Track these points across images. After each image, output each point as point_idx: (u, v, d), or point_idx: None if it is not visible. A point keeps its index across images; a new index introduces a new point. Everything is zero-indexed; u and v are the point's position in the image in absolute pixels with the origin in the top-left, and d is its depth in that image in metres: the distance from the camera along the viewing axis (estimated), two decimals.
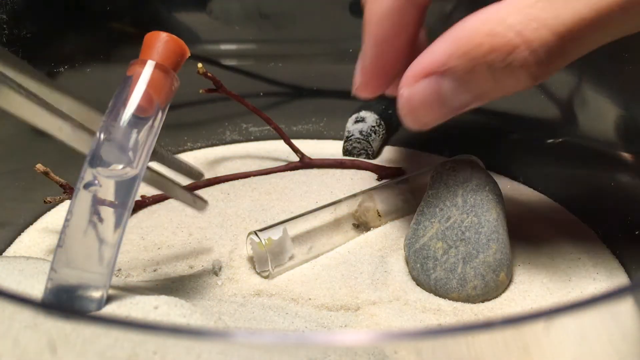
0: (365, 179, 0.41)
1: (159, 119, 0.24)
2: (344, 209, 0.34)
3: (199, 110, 0.46)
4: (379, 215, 0.35)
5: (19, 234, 0.35)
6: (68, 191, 0.34)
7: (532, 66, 0.24)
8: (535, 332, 0.16)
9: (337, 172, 0.43)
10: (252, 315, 0.28)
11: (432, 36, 0.27)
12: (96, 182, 0.22)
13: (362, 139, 0.44)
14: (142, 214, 0.37)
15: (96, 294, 0.22)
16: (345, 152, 0.45)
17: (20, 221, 0.36)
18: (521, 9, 0.23)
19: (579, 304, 0.15)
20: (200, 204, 0.29)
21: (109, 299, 0.22)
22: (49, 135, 0.23)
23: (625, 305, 0.18)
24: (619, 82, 0.34)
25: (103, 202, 0.22)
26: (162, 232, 0.35)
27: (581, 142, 0.38)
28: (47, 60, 0.38)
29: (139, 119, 0.24)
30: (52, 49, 0.38)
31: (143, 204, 0.38)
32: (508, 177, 0.42)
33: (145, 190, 0.36)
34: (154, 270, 0.32)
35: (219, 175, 0.42)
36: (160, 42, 0.25)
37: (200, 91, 0.39)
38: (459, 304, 0.29)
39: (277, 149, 0.46)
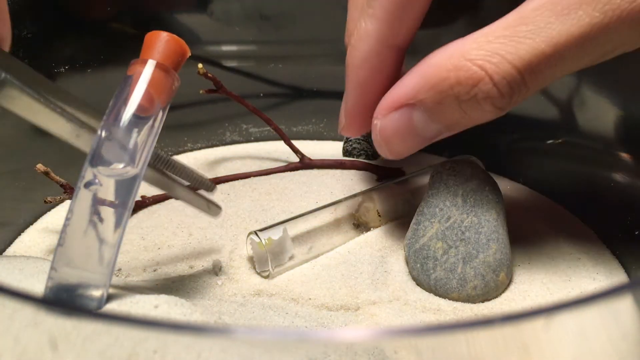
0: (365, 180, 0.41)
1: (160, 119, 0.24)
2: (344, 209, 0.34)
3: (199, 111, 0.46)
4: (379, 216, 0.35)
5: (19, 234, 0.35)
6: (68, 191, 0.34)
7: (495, 98, 0.25)
8: (535, 330, 0.16)
9: (337, 172, 0.43)
10: (252, 315, 0.28)
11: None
12: (97, 181, 0.22)
13: (362, 140, 0.44)
14: (142, 214, 0.37)
15: (96, 293, 0.22)
16: (345, 152, 0.45)
17: (20, 221, 0.36)
18: (483, 43, 0.24)
19: (579, 302, 0.15)
20: (214, 210, 0.29)
21: (109, 298, 0.22)
22: (51, 136, 0.23)
23: (625, 304, 0.18)
24: (619, 82, 0.34)
25: (103, 202, 0.22)
26: (162, 232, 0.35)
27: (581, 142, 0.38)
28: (47, 61, 0.38)
29: (139, 119, 0.24)
30: (53, 50, 0.38)
31: (143, 204, 0.38)
32: (508, 177, 0.42)
33: (145, 190, 0.36)
34: (154, 270, 0.32)
35: (219, 175, 0.42)
36: (160, 42, 0.25)
37: (201, 92, 0.39)
38: (459, 304, 0.29)
39: (277, 149, 0.46)
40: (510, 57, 0.24)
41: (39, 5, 0.37)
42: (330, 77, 0.47)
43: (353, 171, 0.43)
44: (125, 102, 0.23)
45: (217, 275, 0.31)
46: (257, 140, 0.48)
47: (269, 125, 0.42)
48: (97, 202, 0.22)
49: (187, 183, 0.28)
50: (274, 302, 0.30)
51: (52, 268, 0.21)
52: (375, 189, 0.36)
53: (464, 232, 0.30)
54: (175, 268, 0.32)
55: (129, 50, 0.27)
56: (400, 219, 0.36)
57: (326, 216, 0.34)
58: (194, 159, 0.46)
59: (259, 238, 0.31)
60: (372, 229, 0.35)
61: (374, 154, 0.45)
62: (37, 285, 0.23)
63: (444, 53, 0.26)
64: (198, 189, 0.28)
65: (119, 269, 0.31)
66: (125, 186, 0.23)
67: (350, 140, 0.45)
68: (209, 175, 0.42)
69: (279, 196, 0.39)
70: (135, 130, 0.23)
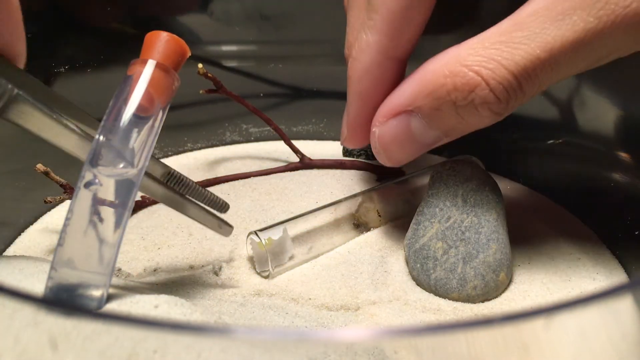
0: (365, 180, 0.41)
1: (160, 119, 0.24)
2: (344, 209, 0.34)
3: (199, 111, 0.46)
4: (379, 216, 0.35)
5: (19, 234, 0.35)
6: (68, 191, 0.34)
7: (492, 103, 0.25)
8: (535, 330, 0.16)
9: (337, 172, 0.43)
10: (252, 315, 0.28)
11: None
12: (97, 181, 0.22)
13: None
14: (142, 214, 0.37)
15: (96, 293, 0.22)
16: (345, 152, 0.45)
17: (20, 221, 0.36)
18: (479, 49, 0.25)
19: (579, 302, 0.15)
20: (226, 229, 0.29)
21: (109, 298, 0.22)
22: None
23: (625, 304, 0.18)
24: (619, 82, 0.34)
25: (103, 202, 0.22)
26: (162, 232, 0.35)
27: (581, 143, 0.38)
28: (47, 61, 0.38)
29: (139, 119, 0.24)
30: (53, 50, 0.38)
31: (143, 204, 0.38)
32: (508, 177, 0.42)
33: None
34: (154, 270, 0.32)
35: (219, 175, 0.42)
36: (161, 42, 0.25)
37: (201, 92, 0.39)
38: (459, 304, 0.29)
39: (277, 149, 0.46)
40: (506, 63, 0.24)
41: (38, 5, 0.37)
42: (330, 77, 0.47)
43: (353, 171, 0.43)
44: (125, 102, 0.23)
45: (217, 275, 0.31)
46: (257, 140, 0.48)
47: (269, 125, 0.42)
48: (97, 202, 0.22)
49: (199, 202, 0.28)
50: (274, 302, 0.30)
51: (52, 268, 0.21)
52: (375, 189, 0.36)
53: (464, 232, 0.30)
54: (175, 268, 0.32)
55: (129, 50, 0.27)
56: (400, 219, 0.36)
57: (326, 216, 0.34)
58: (194, 159, 0.46)
59: (259, 238, 0.31)
60: (372, 229, 0.35)
61: (374, 154, 0.45)
62: (37, 285, 0.23)
63: (441, 59, 0.26)
64: (211, 209, 0.29)
65: (119, 269, 0.31)
66: (125, 186, 0.23)
67: None
68: (209, 175, 0.42)
69: (279, 196, 0.39)
70: (135, 130, 0.23)
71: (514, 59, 0.24)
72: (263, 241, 0.31)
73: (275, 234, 0.31)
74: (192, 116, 0.45)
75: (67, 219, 0.22)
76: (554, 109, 0.39)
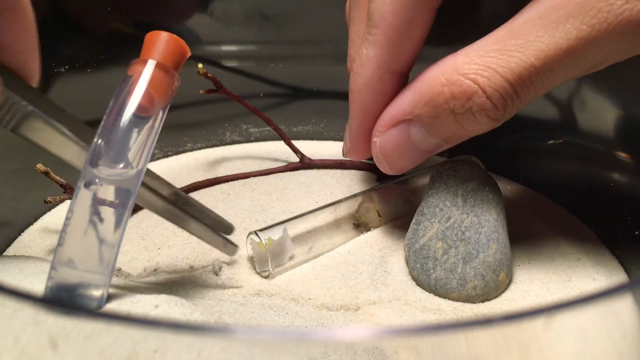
0: (365, 180, 0.41)
1: (160, 119, 0.24)
2: (344, 209, 0.34)
3: (199, 111, 0.46)
4: (379, 216, 0.35)
5: (19, 234, 0.35)
6: (68, 191, 0.34)
7: (490, 110, 0.26)
8: (535, 330, 0.16)
9: (337, 172, 0.43)
10: (252, 315, 0.28)
11: None
12: (97, 181, 0.22)
13: None
14: (142, 214, 0.37)
15: (96, 293, 0.22)
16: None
17: (20, 221, 0.36)
18: (474, 57, 0.25)
19: (579, 302, 0.15)
20: (231, 249, 0.30)
21: (109, 298, 0.22)
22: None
23: (625, 304, 0.18)
24: (619, 82, 0.34)
25: (103, 202, 0.22)
26: (162, 232, 0.35)
27: (581, 143, 0.38)
28: (47, 61, 0.37)
29: (139, 119, 0.24)
30: (53, 50, 0.38)
31: None
32: (508, 177, 0.42)
33: None
34: (154, 270, 0.32)
35: (219, 175, 0.42)
36: (161, 42, 0.25)
37: (201, 92, 0.39)
38: (459, 304, 0.29)
39: (277, 149, 0.46)
40: (502, 71, 0.25)
41: (39, 5, 0.37)
42: (330, 77, 0.47)
43: (353, 171, 0.43)
44: (125, 101, 0.23)
45: (217, 275, 0.31)
46: (257, 140, 0.48)
47: (269, 125, 0.42)
48: (97, 202, 0.22)
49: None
50: (274, 302, 0.30)
51: (52, 268, 0.21)
52: (375, 189, 0.36)
53: (464, 232, 0.30)
54: (175, 268, 0.32)
55: (129, 50, 0.27)
56: (400, 219, 0.36)
57: (326, 216, 0.34)
58: (194, 159, 0.46)
59: (259, 238, 0.31)
60: (372, 229, 0.35)
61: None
62: (38, 285, 0.23)
63: (438, 68, 0.27)
64: (215, 229, 0.29)
65: (119, 269, 0.31)
66: (125, 186, 0.23)
67: None
68: (209, 175, 0.42)
69: (279, 196, 0.39)
70: (135, 130, 0.23)
71: (509, 66, 0.25)
72: (263, 241, 0.31)
73: (276, 234, 0.31)
74: (192, 116, 0.45)
75: (67, 219, 0.22)
76: (554, 109, 0.39)
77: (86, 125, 0.24)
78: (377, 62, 0.29)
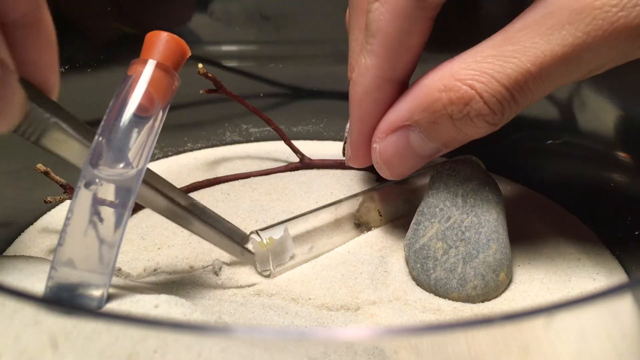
0: (365, 180, 0.41)
1: (160, 119, 0.24)
2: (344, 209, 0.34)
3: (199, 111, 0.46)
4: (380, 215, 0.35)
5: (19, 234, 0.35)
6: (68, 191, 0.34)
7: (487, 115, 0.26)
8: (535, 330, 0.16)
9: (337, 172, 0.43)
10: (252, 315, 0.28)
11: None
12: (97, 181, 0.22)
13: None
14: (142, 214, 0.37)
15: (96, 293, 0.22)
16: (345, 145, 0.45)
17: (20, 221, 0.36)
18: (471, 63, 0.26)
19: (579, 301, 0.15)
20: (248, 256, 0.30)
21: (109, 298, 0.22)
22: None
23: (625, 304, 0.18)
24: (619, 83, 0.34)
25: (103, 202, 0.22)
26: (162, 232, 0.35)
27: (581, 143, 0.38)
28: None
29: (139, 119, 0.24)
30: None
31: None
32: (508, 178, 0.42)
33: None
34: (154, 270, 0.32)
35: (219, 175, 0.42)
36: (161, 42, 0.25)
37: (201, 92, 0.39)
38: (459, 304, 0.29)
39: (277, 149, 0.46)
40: (498, 76, 0.25)
41: None
42: (330, 77, 0.47)
43: (353, 171, 0.43)
44: (125, 101, 0.23)
45: (217, 275, 0.31)
46: (257, 140, 0.48)
47: (269, 125, 0.42)
48: (97, 202, 0.22)
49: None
50: (274, 302, 0.30)
51: (52, 268, 0.21)
52: (375, 189, 0.36)
53: (464, 232, 0.30)
54: (175, 268, 0.32)
55: (129, 50, 0.27)
56: (400, 219, 0.36)
57: (327, 216, 0.34)
58: (194, 159, 0.46)
59: (260, 237, 0.31)
60: (372, 228, 0.35)
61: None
62: (38, 285, 0.23)
63: (435, 74, 0.27)
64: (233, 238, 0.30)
65: (119, 269, 0.31)
66: (125, 186, 0.23)
67: None
68: (209, 175, 0.42)
69: (279, 196, 0.39)
70: (136, 130, 0.23)
71: (506, 72, 0.25)
72: (264, 240, 0.31)
73: (277, 234, 0.31)
74: (192, 116, 0.45)
75: (67, 219, 0.22)
76: (554, 109, 0.39)
77: (93, 129, 0.24)
78: (376, 72, 0.29)
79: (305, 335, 0.15)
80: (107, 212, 0.22)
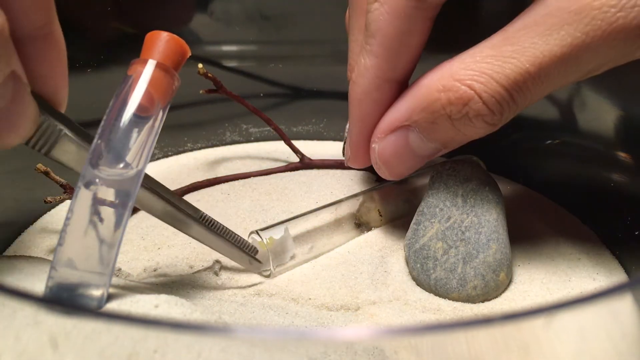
0: (365, 180, 0.41)
1: (160, 119, 0.24)
2: (345, 209, 0.34)
3: (199, 111, 0.46)
4: (380, 215, 0.35)
5: (19, 234, 0.35)
6: (68, 191, 0.34)
7: (486, 115, 0.26)
8: (535, 330, 0.16)
9: (337, 172, 0.43)
10: (252, 315, 0.28)
11: None
12: (97, 181, 0.22)
13: None
14: (142, 214, 0.37)
15: (96, 293, 0.22)
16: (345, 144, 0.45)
17: (20, 221, 0.36)
18: (470, 63, 0.26)
19: (579, 301, 0.15)
20: (256, 265, 0.31)
21: (109, 298, 0.22)
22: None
23: (625, 304, 0.18)
24: (619, 82, 0.34)
25: (103, 202, 0.22)
26: (162, 232, 0.35)
27: (581, 143, 0.38)
28: None
29: (139, 118, 0.24)
30: None
31: None
32: (508, 178, 0.42)
33: None
34: (154, 270, 0.32)
35: (219, 175, 0.42)
36: (161, 42, 0.25)
37: (201, 92, 0.39)
38: (458, 304, 0.29)
39: (277, 149, 0.46)
40: (497, 77, 0.25)
41: None
42: (330, 77, 0.47)
43: (353, 171, 0.43)
44: (125, 101, 0.23)
45: (217, 275, 0.31)
46: (257, 140, 0.48)
47: (269, 125, 0.42)
48: (97, 202, 0.22)
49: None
50: (274, 302, 0.30)
51: (52, 268, 0.21)
52: (376, 189, 0.36)
53: (464, 232, 0.30)
54: (175, 268, 0.32)
55: (129, 50, 0.27)
56: (400, 218, 0.36)
57: (327, 216, 0.34)
58: (194, 159, 0.46)
59: (261, 237, 0.31)
60: (373, 228, 0.35)
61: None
62: (38, 285, 0.23)
63: (434, 74, 0.27)
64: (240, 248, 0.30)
65: (119, 269, 0.31)
66: (126, 186, 0.23)
67: None
68: (209, 175, 0.42)
69: (279, 196, 0.39)
70: (136, 130, 0.23)
71: (505, 72, 0.25)
72: (265, 240, 0.31)
73: (277, 234, 0.31)
74: (192, 116, 0.45)
75: (67, 219, 0.22)
76: (554, 109, 0.39)
77: (93, 129, 0.24)
78: (375, 72, 0.29)
79: (305, 335, 0.15)
80: (107, 212, 0.22)
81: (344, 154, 0.45)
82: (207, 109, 0.46)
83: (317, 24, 0.46)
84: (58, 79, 0.24)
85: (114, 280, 0.28)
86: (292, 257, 0.32)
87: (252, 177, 0.42)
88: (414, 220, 0.32)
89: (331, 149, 0.46)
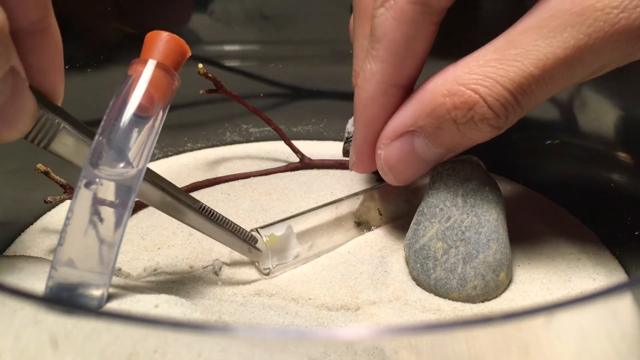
0: (365, 180, 0.41)
1: (160, 119, 0.24)
2: (345, 208, 0.34)
3: (199, 111, 0.46)
4: (380, 215, 0.35)
5: (19, 234, 0.35)
6: (68, 191, 0.34)
7: (491, 119, 0.26)
8: (535, 329, 0.16)
9: (337, 172, 0.43)
10: (252, 315, 0.28)
11: None
12: (97, 181, 0.22)
13: None
14: (142, 214, 0.37)
15: (97, 293, 0.22)
16: (345, 152, 0.45)
17: (20, 221, 0.36)
18: (474, 67, 0.26)
19: (579, 301, 0.15)
20: (256, 253, 0.31)
21: (109, 298, 0.22)
22: None
23: (625, 304, 0.18)
24: (619, 83, 0.34)
25: (103, 202, 0.22)
26: (162, 232, 0.35)
27: (581, 143, 0.38)
28: None
29: (139, 118, 0.24)
30: None
31: (143, 204, 0.38)
32: (508, 177, 0.42)
33: None
34: (154, 270, 0.32)
35: (219, 175, 0.42)
36: (161, 42, 0.25)
37: (201, 92, 0.39)
38: (458, 304, 0.29)
39: (277, 149, 0.46)
40: (502, 80, 0.25)
41: None
42: (330, 77, 0.47)
43: (353, 172, 0.43)
44: (125, 101, 0.23)
45: (217, 275, 0.31)
46: (257, 140, 0.48)
47: (269, 125, 0.42)
48: (97, 202, 0.22)
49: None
50: (274, 302, 0.30)
51: (53, 267, 0.21)
52: (376, 188, 0.36)
53: (464, 232, 0.30)
54: (175, 268, 0.32)
55: (129, 50, 0.27)
56: (400, 218, 0.36)
57: (327, 214, 0.34)
58: (194, 159, 0.46)
59: (260, 235, 0.31)
60: (373, 227, 0.35)
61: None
62: (38, 285, 0.23)
63: (438, 79, 0.27)
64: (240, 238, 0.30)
65: (119, 269, 0.31)
66: (126, 186, 0.23)
67: (350, 141, 0.45)
68: (209, 175, 0.42)
69: (279, 196, 0.39)
70: (136, 130, 0.23)
71: (509, 75, 0.25)
72: (264, 238, 0.31)
73: (278, 231, 0.31)
74: (192, 116, 0.45)
75: (67, 218, 0.22)
76: (554, 109, 0.39)
77: (94, 129, 0.24)
78: (381, 77, 0.29)
79: (305, 335, 0.15)
80: (107, 212, 0.22)
81: (344, 154, 0.45)
82: (207, 109, 0.46)
83: (317, 24, 0.46)
84: (55, 72, 0.24)
85: (114, 280, 0.28)
86: (296, 256, 0.32)
87: (252, 177, 0.42)
88: (414, 220, 0.32)
89: (331, 149, 0.46)
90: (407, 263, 0.32)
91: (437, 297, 0.30)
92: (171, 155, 0.46)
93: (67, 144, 0.23)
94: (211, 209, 0.29)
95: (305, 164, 0.43)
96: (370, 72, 0.29)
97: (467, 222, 0.30)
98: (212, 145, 0.47)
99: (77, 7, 0.39)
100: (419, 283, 0.31)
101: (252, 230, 0.31)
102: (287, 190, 0.40)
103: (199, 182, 0.41)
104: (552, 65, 0.24)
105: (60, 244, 0.21)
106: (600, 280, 0.31)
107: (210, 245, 0.33)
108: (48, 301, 0.18)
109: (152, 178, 0.27)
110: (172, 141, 0.46)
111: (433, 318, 0.29)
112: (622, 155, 0.35)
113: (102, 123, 0.23)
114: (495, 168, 0.40)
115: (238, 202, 0.39)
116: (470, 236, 0.30)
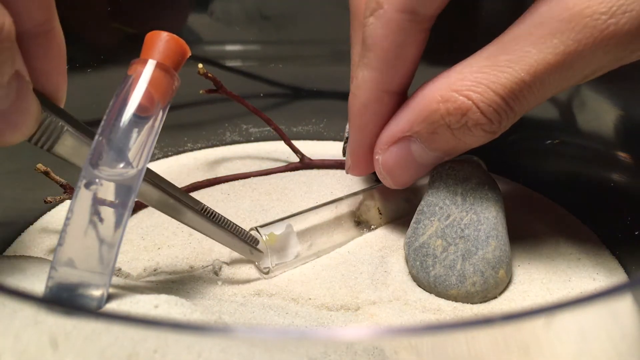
0: (365, 179, 0.41)
1: (160, 119, 0.24)
2: (345, 207, 0.34)
3: (199, 111, 0.46)
4: (380, 214, 0.35)
5: (19, 234, 0.35)
6: (68, 191, 0.34)
7: (484, 124, 0.27)
8: (535, 330, 0.16)
9: (337, 172, 0.43)
10: (252, 315, 0.28)
11: None
12: (97, 181, 0.22)
13: None
14: (142, 214, 0.37)
15: (96, 293, 0.22)
16: (345, 152, 0.45)
17: (20, 221, 0.36)
18: (467, 74, 0.26)
19: (579, 302, 0.15)
20: (257, 254, 0.31)
21: (109, 298, 0.22)
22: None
23: (625, 304, 0.18)
24: (619, 82, 0.34)
25: (103, 202, 0.22)
26: (162, 232, 0.35)
27: (581, 143, 0.38)
28: None
29: (139, 118, 0.24)
30: None
31: (143, 204, 0.38)
32: (508, 178, 0.42)
33: None
34: (154, 270, 0.32)
35: (219, 175, 0.42)
36: (161, 42, 0.25)
37: (201, 92, 0.39)
38: (458, 304, 0.29)
39: (277, 149, 0.46)
40: (494, 86, 0.25)
41: None
42: (330, 77, 0.47)
43: None
44: (125, 101, 0.23)
45: (217, 275, 0.31)
46: (257, 140, 0.48)
47: (269, 125, 0.42)
48: (97, 202, 0.22)
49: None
50: (274, 302, 0.30)
51: (53, 268, 0.21)
52: (376, 187, 0.36)
53: (463, 230, 0.30)
54: (175, 268, 0.32)
55: (129, 50, 0.27)
56: (400, 218, 0.36)
57: (327, 214, 0.34)
58: (194, 159, 0.46)
59: (260, 234, 0.31)
60: (372, 227, 0.35)
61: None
62: (38, 285, 0.23)
63: (432, 86, 0.28)
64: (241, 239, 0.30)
65: (119, 269, 0.31)
66: (125, 186, 0.23)
67: None
68: (209, 175, 0.42)
69: (279, 196, 0.39)
70: (136, 130, 0.23)
71: (500, 81, 0.25)
72: (264, 237, 0.31)
73: (278, 230, 0.31)
74: (192, 116, 0.45)
75: (67, 219, 0.22)
76: (554, 109, 0.39)
77: (94, 129, 0.24)
78: (373, 84, 0.30)
79: (305, 335, 0.15)
80: (107, 212, 0.22)
81: (344, 154, 0.45)
82: (207, 109, 0.46)
83: (317, 24, 0.46)
84: (58, 75, 0.24)
85: (114, 280, 0.28)
86: (297, 256, 0.32)
87: (252, 177, 0.42)
88: (413, 219, 0.32)
89: (331, 149, 0.46)
90: (407, 261, 0.32)
91: (437, 297, 0.30)
92: (171, 155, 0.46)
93: (69, 146, 0.23)
94: (212, 210, 0.29)
95: (305, 164, 0.43)
96: (362, 80, 0.30)
97: (467, 219, 0.30)
98: (212, 145, 0.47)
99: (77, 7, 0.39)
100: (418, 281, 0.31)
101: (251, 229, 0.31)
102: (287, 190, 0.40)
103: (199, 182, 0.41)
104: (542, 70, 0.24)
105: (60, 244, 0.21)
106: (600, 281, 0.31)
107: (210, 245, 0.33)
108: (48, 302, 0.18)
109: (152, 178, 0.27)
110: (172, 141, 0.46)
111: (433, 318, 0.29)
112: (622, 155, 0.35)
113: (102, 123, 0.23)
114: (495, 168, 0.40)
115: (238, 202, 0.39)
116: (469, 233, 0.30)
